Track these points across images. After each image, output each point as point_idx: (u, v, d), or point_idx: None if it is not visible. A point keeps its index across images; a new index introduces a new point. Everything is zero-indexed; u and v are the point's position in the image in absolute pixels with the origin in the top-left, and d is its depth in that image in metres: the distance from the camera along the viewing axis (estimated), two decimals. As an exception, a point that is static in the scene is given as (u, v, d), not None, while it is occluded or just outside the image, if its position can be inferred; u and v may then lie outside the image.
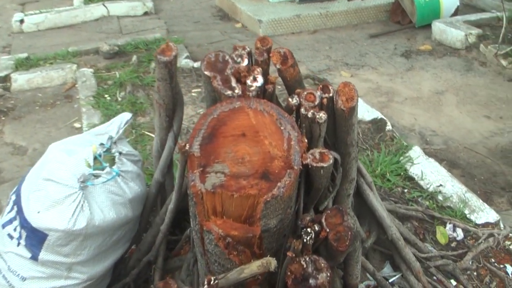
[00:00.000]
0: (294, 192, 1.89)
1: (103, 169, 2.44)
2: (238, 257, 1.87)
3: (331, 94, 2.07)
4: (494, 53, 5.92)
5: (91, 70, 5.70)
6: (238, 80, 2.06)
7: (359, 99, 3.16)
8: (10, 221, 2.35)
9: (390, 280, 2.77)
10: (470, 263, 2.93)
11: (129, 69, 5.71)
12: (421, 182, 3.65)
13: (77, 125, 4.76)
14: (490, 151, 4.32)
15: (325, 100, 2.06)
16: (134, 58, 5.98)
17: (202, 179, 1.76)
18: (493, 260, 2.99)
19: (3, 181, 3.94)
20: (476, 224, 3.24)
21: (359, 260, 2.41)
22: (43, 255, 2.27)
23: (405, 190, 3.58)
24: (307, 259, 1.83)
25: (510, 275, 2.89)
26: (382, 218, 2.62)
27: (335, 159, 2.09)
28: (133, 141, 4.25)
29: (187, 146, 1.83)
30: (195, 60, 5.96)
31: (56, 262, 2.30)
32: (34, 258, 2.28)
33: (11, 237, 2.32)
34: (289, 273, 1.82)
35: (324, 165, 1.86)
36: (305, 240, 1.88)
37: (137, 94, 5.16)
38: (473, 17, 6.99)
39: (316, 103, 2.02)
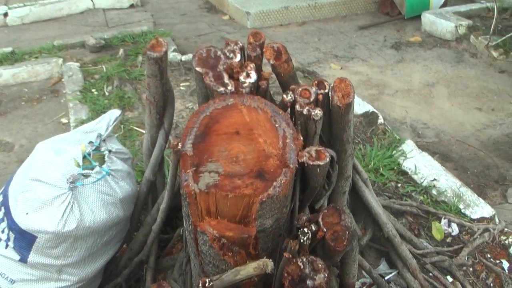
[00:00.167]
0: (290, 191, 1.85)
1: (92, 168, 2.38)
2: (233, 258, 1.83)
3: (326, 90, 2.03)
4: (485, 45, 5.90)
5: (78, 64, 5.62)
6: (231, 76, 2.01)
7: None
8: (-3, 223, 2.29)
9: (386, 278, 2.74)
10: (466, 259, 2.91)
11: (116, 63, 5.64)
12: (415, 177, 3.62)
13: (64, 120, 4.69)
14: (483, 144, 4.31)
15: (320, 97, 2.01)
16: (121, 51, 5.90)
17: (196, 178, 1.72)
18: (489, 256, 2.98)
19: (-11, 179, 3.86)
20: (471, 219, 3.23)
21: (356, 259, 2.38)
22: (32, 257, 2.22)
23: (399, 185, 3.56)
24: (304, 260, 1.79)
25: (507, 271, 2.88)
26: (378, 215, 2.59)
27: (331, 157, 2.05)
28: (121, 136, 4.19)
29: (180, 145, 1.78)
30: (182, 53, 5.90)
31: (46, 264, 2.25)
32: (23, 260, 2.23)
33: (-2, 239, 2.26)
34: (286, 275, 1.78)
35: (321, 163, 1.82)
36: (302, 241, 1.84)
37: (125, 89, 5.09)
38: (463, 8, 6.97)
39: (312, 99, 1.97)
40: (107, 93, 5.00)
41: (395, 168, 3.72)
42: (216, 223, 1.77)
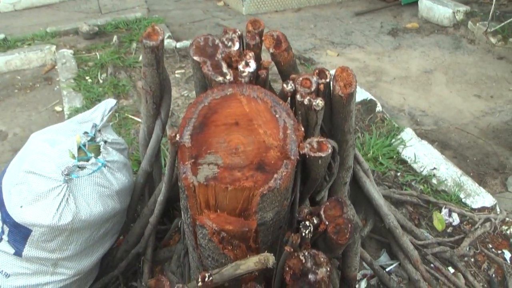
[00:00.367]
0: (291, 183, 1.81)
1: (88, 160, 2.33)
2: (233, 251, 1.81)
3: (328, 80, 1.98)
4: (484, 31, 5.85)
5: (71, 51, 5.56)
6: (229, 66, 1.97)
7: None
8: (-9, 216, 2.24)
9: (387, 269, 2.72)
10: (468, 249, 2.88)
11: (110, 50, 5.59)
12: (415, 165, 3.59)
13: (58, 108, 4.64)
14: (482, 131, 4.28)
15: (321, 86, 1.96)
16: (115, 38, 5.84)
17: (194, 171, 1.68)
18: (490, 246, 2.95)
19: (-18, 168, 3.81)
20: (472, 209, 3.20)
21: (358, 251, 2.34)
22: (27, 251, 2.18)
23: (398, 174, 3.52)
24: (306, 253, 1.76)
25: (509, 261, 2.86)
26: (379, 206, 2.55)
27: (333, 148, 2.01)
28: (116, 125, 4.14)
29: (178, 137, 1.74)
30: (177, 40, 5.84)
31: (41, 258, 2.22)
32: (18, 254, 2.19)
33: (-8, 232, 2.22)
34: (287, 269, 1.75)
35: (323, 155, 1.78)
36: (303, 234, 1.80)
37: (119, 76, 5.03)
38: (461, -7, 6.91)
39: (313, 89, 1.92)
40: (101, 81, 4.95)
41: (394, 156, 3.69)
42: (216, 216, 1.74)
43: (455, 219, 3.09)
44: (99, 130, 2.52)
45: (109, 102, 2.64)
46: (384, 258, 2.81)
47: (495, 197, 3.28)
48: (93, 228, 2.31)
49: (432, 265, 2.78)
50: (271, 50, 2.06)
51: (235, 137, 1.76)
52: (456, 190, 3.31)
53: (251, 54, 1.96)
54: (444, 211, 3.13)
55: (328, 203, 1.87)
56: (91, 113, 2.58)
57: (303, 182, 2.03)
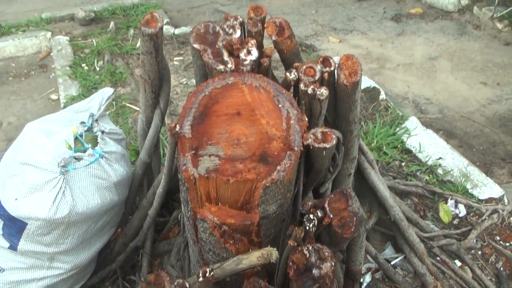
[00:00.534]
0: (294, 175, 1.78)
1: (85, 150, 2.28)
2: (235, 245, 1.77)
3: (332, 68, 1.91)
4: (490, 16, 5.77)
5: (67, 37, 5.49)
6: (231, 54, 1.91)
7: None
8: (-15, 209, 2.19)
9: (392, 263, 2.67)
10: (475, 241, 2.84)
11: (106, 37, 5.52)
12: (420, 155, 3.53)
13: (53, 96, 4.58)
14: (488, 120, 4.22)
15: (326, 75, 1.90)
16: (112, 24, 5.76)
17: (195, 162, 1.65)
18: (498, 238, 2.91)
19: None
20: (479, 200, 3.15)
21: (363, 245, 2.30)
22: (23, 244, 2.15)
23: (403, 164, 3.47)
24: (310, 248, 1.73)
25: (517, 254, 2.81)
26: (384, 198, 2.50)
27: (337, 139, 1.95)
28: (114, 114, 4.09)
29: (177, 127, 1.69)
30: (175, 26, 5.76)
31: (37, 252, 2.19)
32: (13, 248, 2.16)
33: (-14, 226, 2.18)
34: (290, 263, 1.72)
35: (327, 146, 1.74)
36: (307, 228, 1.75)
37: (116, 63, 4.97)
38: (465, -22, 6.82)
39: (317, 78, 1.87)
40: (97, 68, 4.89)
41: (399, 146, 3.63)
42: (217, 209, 1.71)
43: (462, 211, 3.04)
44: (96, 120, 2.48)
45: (107, 91, 2.59)
46: (389, 251, 2.77)
47: (502, 188, 3.22)
48: (91, 221, 2.27)
49: (438, 258, 2.74)
50: (273, 38, 2.00)
51: (236, 127, 1.73)
52: (463, 180, 3.25)
53: (253, 41, 1.90)
54: (450, 202, 3.08)
55: (332, 196, 1.83)
56: (88, 102, 2.54)
57: (306, 173, 1.98)
